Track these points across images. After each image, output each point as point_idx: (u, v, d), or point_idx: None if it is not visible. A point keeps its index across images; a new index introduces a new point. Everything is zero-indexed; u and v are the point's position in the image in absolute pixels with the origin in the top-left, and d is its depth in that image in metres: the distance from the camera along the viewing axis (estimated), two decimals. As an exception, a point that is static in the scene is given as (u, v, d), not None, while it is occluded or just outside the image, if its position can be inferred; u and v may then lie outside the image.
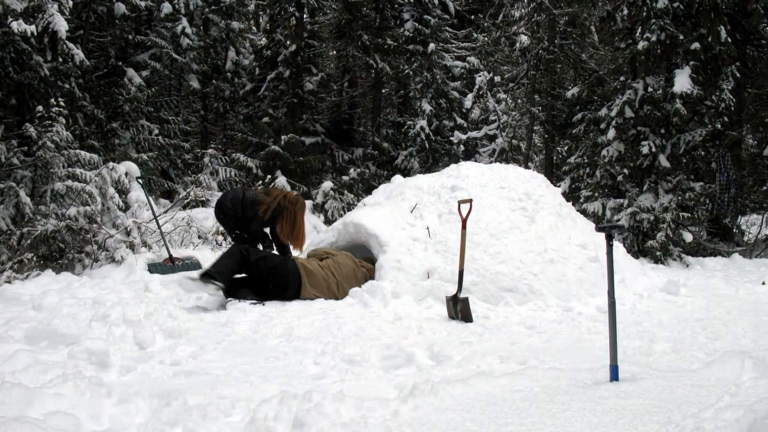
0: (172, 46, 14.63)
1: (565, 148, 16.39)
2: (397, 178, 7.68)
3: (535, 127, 16.78)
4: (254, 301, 5.70)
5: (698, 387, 3.07)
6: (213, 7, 16.18)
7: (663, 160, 10.34)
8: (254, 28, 20.07)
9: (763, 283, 7.36)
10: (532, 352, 4.25)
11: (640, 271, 7.16)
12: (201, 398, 3.16)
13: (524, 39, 15.91)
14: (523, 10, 16.79)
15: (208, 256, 8.62)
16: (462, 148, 14.91)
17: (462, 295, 5.34)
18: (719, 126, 10.54)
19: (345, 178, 13.76)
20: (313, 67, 16.25)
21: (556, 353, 4.24)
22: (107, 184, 8.53)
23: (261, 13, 19.11)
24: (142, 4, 14.17)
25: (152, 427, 2.72)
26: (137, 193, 8.92)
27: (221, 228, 9.80)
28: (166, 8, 14.59)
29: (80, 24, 12.92)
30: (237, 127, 17.19)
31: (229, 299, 5.77)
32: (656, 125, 10.68)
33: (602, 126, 11.34)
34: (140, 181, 9.00)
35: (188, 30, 14.73)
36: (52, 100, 8.97)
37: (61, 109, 8.84)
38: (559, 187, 10.65)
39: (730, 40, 10.58)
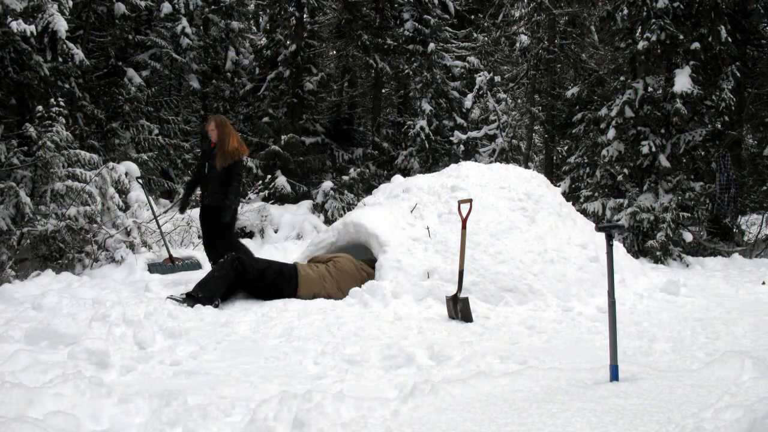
0: (172, 46, 14.62)
1: (565, 148, 16.38)
2: (397, 178, 7.68)
3: (535, 127, 16.78)
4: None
5: (698, 387, 3.07)
6: (213, 7, 16.16)
7: (663, 160, 10.34)
8: (254, 28, 20.06)
9: (763, 283, 7.36)
10: (532, 352, 4.25)
11: (640, 271, 7.16)
12: (201, 398, 3.16)
13: (524, 39, 15.90)
14: (523, 10, 16.79)
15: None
16: (462, 148, 14.91)
17: (462, 295, 5.34)
18: (719, 126, 10.54)
19: (345, 178, 13.76)
20: (313, 67, 16.25)
21: (556, 353, 4.24)
22: (107, 184, 8.53)
23: (261, 13, 19.10)
24: (142, 4, 14.16)
25: (152, 427, 2.72)
26: (137, 193, 8.92)
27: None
28: (166, 8, 14.58)
29: (80, 24, 12.92)
30: (237, 127, 17.17)
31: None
32: (656, 125, 10.68)
33: (602, 126, 11.33)
34: (140, 181, 9.00)
35: (188, 30, 14.72)
36: (52, 100, 8.96)
37: (61, 109, 8.83)
38: (559, 187, 10.64)
39: (730, 39, 10.57)
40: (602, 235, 3.50)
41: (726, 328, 4.99)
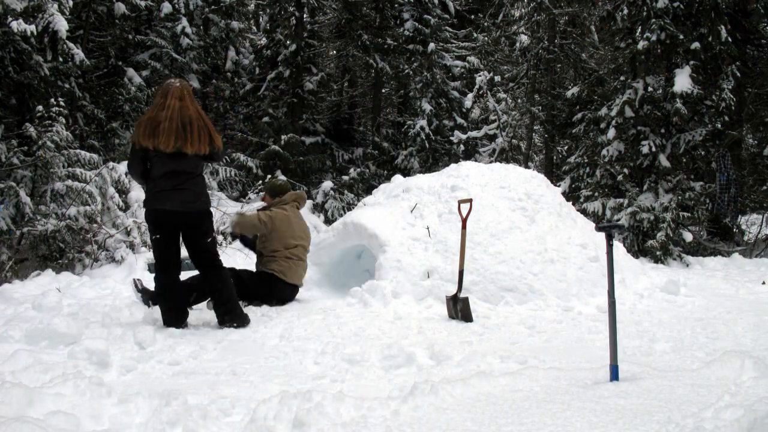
0: (172, 45, 14.61)
1: (565, 147, 16.38)
2: (397, 178, 7.67)
3: (535, 127, 16.78)
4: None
5: (698, 386, 3.07)
6: (213, 6, 16.16)
7: (663, 160, 10.34)
8: (254, 27, 20.05)
9: (764, 283, 7.36)
10: (532, 351, 4.25)
11: (640, 271, 7.16)
12: (201, 398, 3.16)
13: (524, 39, 15.90)
14: (523, 10, 16.80)
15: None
16: (462, 147, 14.91)
17: (462, 295, 5.34)
18: (719, 126, 10.54)
19: (345, 177, 13.76)
20: (313, 67, 16.26)
21: (556, 353, 4.24)
22: (107, 184, 8.53)
23: (261, 12, 19.10)
24: (142, 3, 14.16)
25: (152, 426, 2.72)
26: (137, 193, 8.92)
27: (222, 228, 9.82)
28: (166, 8, 14.58)
29: (80, 24, 12.92)
30: (237, 126, 17.18)
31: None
32: (656, 125, 10.68)
33: (602, 126, 11.33)
34: (140, 180, 8.99)
35: (188, 30, 14.71)
36: (52, 99, 8.97)
37: (61, 109, 8.84)
38: (559, 186, 10.63)
39: (730, 39, 10.58)
40: (602, 235, 3.50)
41: (726, 328, 4.99)
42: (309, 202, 12.61)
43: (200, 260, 4.92)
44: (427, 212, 6.57)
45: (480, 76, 14.92)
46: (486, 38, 16.85)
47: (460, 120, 15.90)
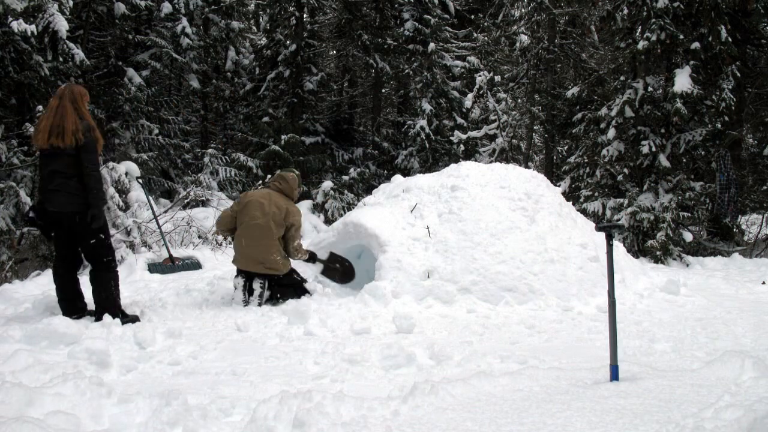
0: (172, 45, 14.62)
1: (565, 147, 16.38)
2: (397, 178, 7.67)
3: (535, 127, 16.78)
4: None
5: (698, 386, 3.07)
6: (213, 6, 16.17)
7: (663, 160, 10.34)
8: (254, 27, 20.07)
9: (764, 283, 7.36)
10: (532, 351, 4.25)
11: (640, 271, 7.16)
12: (201, 398, 3.16)
13: (524, 39, 15.90)
14: (523, 10, 16.79)
15: (208, 256, 8.63)
16: (462, 147, 14.91)
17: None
18: (719, 126, 10.54)
19: (345, 177, 13.77)
20: (313, 67, 16.26)
21: (556, 353, 4.24)
22: (107, 184, 8.53)
23: (261, 12, 19.11)
24: (142, 3, 14.17)
25: (152, 426, 2.72)
26: (137, 193, 8.92)
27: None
28: (166, 8, 14.60)
29: (80, 24, 12.92)
30: (237, 126, 17.19)
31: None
32: (656, 125, 10.68)
33: (602, 126, 11.33)
34: (140, 180, 9.00)
35: (188, 30, 14.73)
36: (52, 99, 8.95)
37: (61, 109, 8.81)
38: (559, 186, 10.64)
39: (730, 39, 10.57)
40: (602, 235, 3.50)
41: (726, 328, 4.99)
42: (309, 202, 12.61)
43: (87, 258, 5.03)
44: (427, 212, 6.57)
45: (480, 76, 14.92)
46: (486, 38, 16.85)
47: (460, 120, 15.90)
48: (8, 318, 5.00)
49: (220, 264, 8.30)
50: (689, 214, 10.48)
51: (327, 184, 12.79)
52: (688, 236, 10.17)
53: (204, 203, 11.15)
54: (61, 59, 10.69)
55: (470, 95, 15.11)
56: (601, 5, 13.29)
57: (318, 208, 12.52)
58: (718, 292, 6.88)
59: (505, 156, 14.40)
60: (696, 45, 10.40)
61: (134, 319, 4.93)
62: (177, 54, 14.68)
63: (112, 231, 8.20)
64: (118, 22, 13.92)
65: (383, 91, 18.26)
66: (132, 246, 8.18)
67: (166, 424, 2.73)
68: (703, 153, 11.18)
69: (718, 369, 3.33)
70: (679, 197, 10.10)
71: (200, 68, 15.71)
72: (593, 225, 6.87)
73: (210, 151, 13.29)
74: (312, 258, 6.26)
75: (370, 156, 16.39)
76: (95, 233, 4.88)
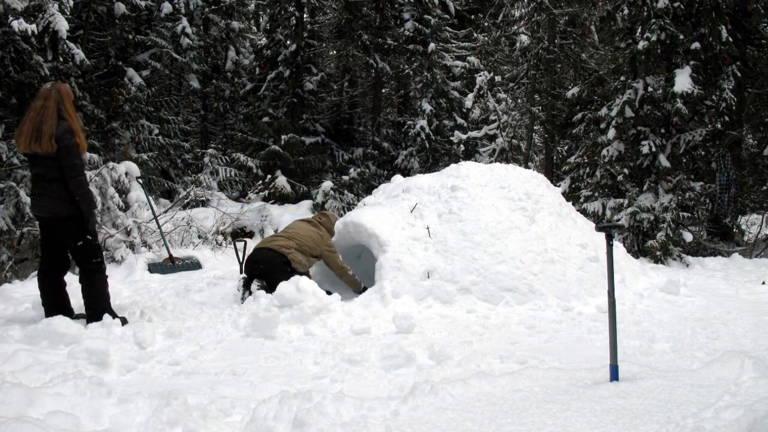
0: (172, 45, 14.62)
1: (565, 148, 16.38)
2: (397, 178, 7.67)
3: (535, 127, 16.78)
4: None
5: (698, 387, 3.07)
6: (213, 6, 16.17)
7: (663, 160, 10.34)
8: (254, 27, 20.07)
9: (763, 283, 7.35)
10: (532, 351, 4.25)
11: (640, 271, 7.16)
12: (201, 398, 3.16)
13: (524, 39, 15.91)
14: (523, 10, 16.80)
15: (208, 256, 8.63)
16: (462, 147, 14.91)
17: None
18: (719, 126, 10.53)
19: (345, 177, 13.76)
20: (313, 67, 16.26)
21: (556, 353, 4.24)
22: (107, 184, 8.53)
23: (261, 12, 19.12)
24: (142, 3, 14.17)
25: (152, 426, 2.72)
26: (137, 193, 8.93)
27: (221, 228, 9.82)
28: (166, 8, 14.59)
29: (80, 24, 12.92)
30: (237, 126, 17.19)
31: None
32: (656, 125, 10.67)
33: (602, 126, 11.33)
34: (140, 181, 9.00)
35: (188, 30, 14.73)
36: (52, 99, 8.94)
37: (62, 109, 8.82)
38: (559, 187, 10.64)
39: (730, 39, 10.57)
40: (602, 235, 3.50)
41: (726, 328, 4.99)
42: (309, 202, 12.61)
43: (75, 260, 4.97)
44: (427, 212, 6.57)
45: (480, 76, 14.92)
46: (486, 38, 16.85)
47: (460, 120, 15.90)
48: (8, 318, 5.00)
49: (220, 264, 8.31)
50: (689, 214, 10.48)
51: (327, 184, 12.79)
52: (688, 236, 10.17)
53: (204, 203, 11.15)
54: (61, 59, 10.69)
55: (470, 95, 15.11)
56: (601, 5, 13.28)
57: (318, 208, 12.51)
58: (718, 293, 6.88)
59: (505, 156, 14.40)
60: (696, 45, 10.39)
61: (123, 321, 4.86)
62: (177, 54, 14.68)
63: (112, 231, 8.20)
64: (118, 22, 13.92)
65: (383, 91, 18.26)
66: (132, 246, 8.18)
67: (166, 424, 2.73)
68: (703, 153, 11.18)
69: (717, 369, 3.33)
70: (679, 197, 10.10)
71: (200, 68, 15.70)
72: (593, 225, 6.87)
73: (210, 151, 13.29)
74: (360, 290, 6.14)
75: (370, 156, 16.39)
76: (83, 235, 4.82)
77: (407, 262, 5.98)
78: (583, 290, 6.02)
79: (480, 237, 6.19)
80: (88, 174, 8.71)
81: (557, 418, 2.68)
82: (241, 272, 6.12)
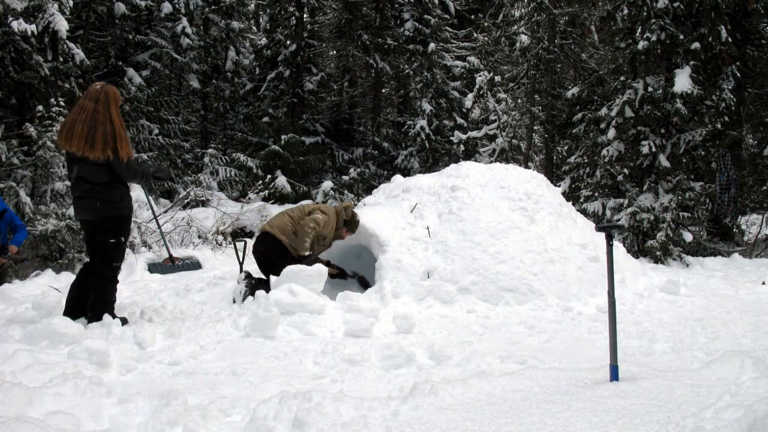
0: (172, 45, 14.63)
1: (565, 148, 16.39)
2: (397, 178, 7.68)
3: (535, 127, 16.78)
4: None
5: (698, 387, 3.07)
6: (213, 7, 16.18)
7: (663, 160, 10.34)
8: (254, 28, 20.08)
9: (763, 283, 7.35)
10: (532, 351, 4.25)
11: (640, 271, 7.16)
12: (201, 398, 3.16)
13: (524, 39, 15.91)
14: (523, 10, 16.80)
15: (208, 256, 8.63)
16: (462, 147, 14.92)
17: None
18: (719, 126, 10.54)
19: (345, 177, 13.77)
20: (313, 67, 16.27)
21: (556, 353, 4.24)
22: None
23: (261, 13, 19.13)
24: (142, 3, 14.18)
25: (152, 426, 2.72)
26: (137, 193, 8.92)
27: (221, 228, 9.81)
28: (166, 8, 14.60)
29: (80, 24, 12.93)
30: (237, 126, 17.20)
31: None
32: (656, 125, 10.68)
33: (602, 126, 11.34)
34: (140, 180, 8.99)
35: (188, 30, 14.74)
36: (53, 99, 8.98)
37: (62, 109, 8.85)
38: (559, 187, 10.64)
39: (730, 39, 10.57)
40: (602, 235, 3.50)
41: (726, 328, 4.99)
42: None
43: (98, 257, 4.92)
44: (427, 212, 6.57)
45: (480, 76, 14.93)
46: (486, 38, 16.85)
47: (460, 120, 15.90)
48: (8, 318, 4.99)
49: (220, 264, 8.31)
50: (689, 214, 10.48)
51: (327, 184, 12.80)
52: (688, 236, 10.17)
53: (204, 203, 11.15)
54: (61, 59, 10.69)
55: (470, 95, 15.12)
56: (601, 5, 13.29)
57: (318, 208, 12.51)
58: (718, 293, 6.88)
59: (505, 156, 14.41)
60: (696, 45, 10.40)
61: (123, 321, 4.84)
62: (177, 54, 14.68)
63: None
64: (118, 22, 13.93)
65: (383, 91, 18.27)
66: (132, 246, 8.18)
67: (165, 424, 2.73)
68: (703, 153, 11.18)
69: (717, 369, 3.33)
70: (679, 197, 10.10)
71: (200, 68, 15.71)
72: (593, 225, 6.87)
73: (210, 151, 13.30)
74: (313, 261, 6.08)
75: (370, 156, 16.39)
76: (118, 236, 4.81)
77: (407, 262, 5.98)
78: (583, 290, 6.02)
79: (480, 237, 6.19)
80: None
81: (557, 418, 2.68)
82: (240, 272, 6.11)
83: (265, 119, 14.90)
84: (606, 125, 11.09)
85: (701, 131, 10.59)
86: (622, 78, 11.60)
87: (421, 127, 14.84)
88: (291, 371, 3.82)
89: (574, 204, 9.26)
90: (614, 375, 3.25)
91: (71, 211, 8.06)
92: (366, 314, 5.01)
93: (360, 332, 4.73)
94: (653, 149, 10.35)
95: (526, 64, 16.01)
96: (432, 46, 15.62)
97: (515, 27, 17.06)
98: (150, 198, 8.82)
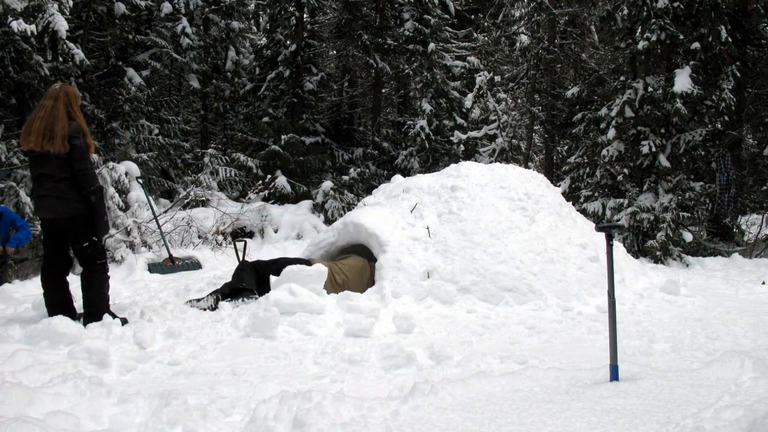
0: (172, 45, 14.63)
1: (565, 148, 16.39)
2: (397, 178, 7.68)
3: (535, 127, 16.78)
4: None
5: (698, 387, 3.07)
6: (213, 6, 16.17)
7: (663, 160, 10.34)
8: (254, 27, 20.08)
9: (763, 283, 7.36)
10: (532, 351, 4.25)
11: (640, 271, 7.16)
12: (201, 398, 3.16)
13: (524, 39, 15.91)
14: (523, 10, 16.80)
15: (208, 256, 8.63)
16: (462, 147, 14.92)
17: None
18: (719, 126, 10.54)
19: (345, 177, 13.76)
20: (313, 67, 16.26)
21: (556, 353, 4.24)
22: (107, 184, 8.54)
23: (261, 12, 19.13)
24: (142, 3, 14.17)
25: (152, 426, 2.72)
26: (137, 193, 8.93)
27: (221, 228, 9.81)
28: (166, 8, 14.59)
29: (80, 24, 12.92)
30: (237, 126, 17.20)
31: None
32: (656, 125, 10.67)
33: (602, 126, 11.34)
34: (140, 180, 9.00)
35: (188, 30, 14.73)
36: (52, 99, 8.94)
37: (61, 109, 8.81)
38: (559, 187, 10.64)
39: (730, 39, 10.57)
40: (602, 235, 3.50)
41: (726, 328, 4.99)
42: (309, 202, 12.61)
43: (79, 260, 4.95)
44: (427, 212, 6.57)
45: (480, 76, 14.92)
46: (486, 38, 16.85)
47: (460, 120, 15.90)
48: (8, 318, 4.99)
49: (219, 264, 8.31)
50: (689, 214, 10.48)
51: (327, 184, 12.79)
52: (688, 236, 10.17)
53: (204, 203, 11.15)
54: (61, 59, 10.69)
55: (470, 95, 15.12)
56: (601, 5, 13.28)
57: (318, 208, 12.52)
58: (718, 293, 6.88)
59: (505, 156, 14.40)
60: (696, 45, 10.39)
61: (123, 321, 4.86)
62: (177, 54, 14.68)
63: (112, 231, 8.20)
64: (118, 22, 13.92)
65: (383, 91, 18.26)
66: (132, 246, 8.18)
67: (165, 424, 2.73)
68: (703, 153, 11.18)
69: (717, 369, 3.33)
70: (679, 197, 10.10)
71: (200, 68, 15.71)
72: (593, 225, 6.87)
73: (210, 151, 13.29)
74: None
75: (370, 156, 16.38)
76: (90, 235, 4.82)
77: (407, 262, 5.98)
78: (583, 290, 6.02)
79: (480, 237, 6.20)
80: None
81: (557, 418, 2.68)
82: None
83: (265, 119, 14.89)
84: (606, 125, 11.09)
85: (701, 131, 10.59)
86: (622, 78, 11.59)
87: (421, 127, 14.83)
88: (291, 371, 3.82)
89: (574, 204, 9.26)
90: (614, 375, 3.25)
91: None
92: (366, 314, 5.01)
93: (360, 332, 4.72)
94: (653, 149, 10.35)
95: (526, 64, 16.00)
96: (432, 46, 15.62)
97: (515, 27, 17.06)
98: (150, 198, 8.83)
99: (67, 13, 9.84)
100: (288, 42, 15.70)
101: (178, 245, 9.11)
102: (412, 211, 6.58)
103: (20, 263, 8.05)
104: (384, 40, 16.32)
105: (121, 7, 13.42)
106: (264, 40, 17.72)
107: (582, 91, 13.70)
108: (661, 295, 6.41)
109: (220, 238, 9.48)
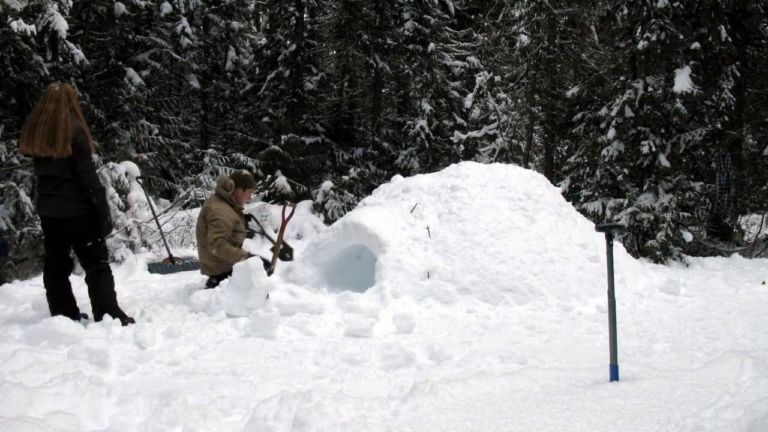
0: (172, 45, 14.63)
1: (565, 148, 16.38)
2: (397, 178, 7.67)
3: (535, 127, 16.77)
4: None
5: (698, 387, 3.07)
6: (213, 6, 16.18)
7: (663, 160, 10.34)
8: (254, 27, 20.08)
9: (763, 283, 7.35)
10: (532, 351, 4.25)
11: (640, 271, 7.16)
12: (201, 398, 3.16)
13: (524, 39, 15.90)
14: (523, 10, 16.78)
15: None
16: (462, 147, 14.92)
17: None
18: (719, 126, 10.53)
19: (345, 177, 13.76)
20: (313, 67, 16.27)
21: (556, 353, 4.24)
22: (107, 184, 8.53)
23: (261, 12, 19.14)
24: (142, 3, 14.17)
25: (152, 426, 2.72)
26: (137, 193, 8.92)
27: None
28: (166, 8, 14.60)
29: (80, 24, 12.92)
30: (237, 126, 17.20)
31: None
32: (656, 125, 10.67)
33: (602, 126, 11.33)
34: (140, 180, 9.00)
35: (188, 30, 14.74)
36: (52, 99, 8.94)
37: (61, 109, 8.81)
38: (559, 186, 10.63)
39: (730, 39, 10.56)
40: (602, 235, 3.50)
41: (726, 328, 4.99)
42: (309, 202, 12.61)
43: (82, 261, 4.97)
44: (427, 212, 6.57)
45: (480, 76, 14.92)
46: (486, 38, 16.85)
47: (460, 120, 15.90)
48: (8, 318, 5.00)
49: (220, 264, 8.28)
50: (689, 214, 10.47)
51: (327, 184, 12.79)
52: (688, 236, 10.17)
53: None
54: (61, 59, 10.69)
55: (470, 95, 15.11)
56: (601, 5, 13.28)
57: (318, 208, 12.53)
58: (718, 293, 6.88)
59: (505, 156, 14.40)
60: (696, 45, 10.39)
61: (132, 320, 4.91)
62: (177, 54, 14.69)
63: (113, 231, 8.20)
64: (118, 22, 13.92)
65: (383, 91, 18.26)
66: (132, 246, 8.18)
67: (165, 424, 2.73)
68: (703, 153, 11.17)
69: (717, 369, 3.33)
70: (679, 197, 10.10)
71: (200, 68, 15.71)
72: (593, 225, 6.86)
73: (210, 151, 13.29)
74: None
75: (370, 156, 16.39)
76: (93, 235, 4.84)
77: (407, 262, 5.98)
78: (583, 290, 6.02)
79: (480, 237, 6.19)
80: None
81: (557, 418, 2.68)
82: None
83: (265, 119, 14.90)
84: (606, 125, 11.09)
85: (701, 131, 10.58)
86: (622, 78, 11.58)
87: (421, 127, 14.83)
88: (291, 371, 3.82)
89: (574, 204, 9.25)
90: (614, 375, 3.25)
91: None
92: (366, 314, 5.01)
93: (360, 332, 4.72)
94: (653, 149, 10.35)
95: (526, 64, 16.00)
96: (432, 46, 15.62)
97: (515, 27, 17.05)
98: (150, 198, 8.83)
99: (67, 13, 9.83)
100: (288, 42, 15.70)
101: (178, 245, 9.11)
102: (412, 211, 6.58)
103: (20, 263, 8.04)
104: (384, 40, 16.33)
105: (121, 7, 13.42)
106: (264, 40, 17.73)
107: (582, 91, 13.69)
108: (661, 295, 6.41)
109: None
